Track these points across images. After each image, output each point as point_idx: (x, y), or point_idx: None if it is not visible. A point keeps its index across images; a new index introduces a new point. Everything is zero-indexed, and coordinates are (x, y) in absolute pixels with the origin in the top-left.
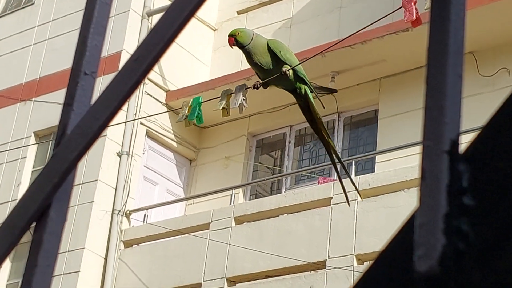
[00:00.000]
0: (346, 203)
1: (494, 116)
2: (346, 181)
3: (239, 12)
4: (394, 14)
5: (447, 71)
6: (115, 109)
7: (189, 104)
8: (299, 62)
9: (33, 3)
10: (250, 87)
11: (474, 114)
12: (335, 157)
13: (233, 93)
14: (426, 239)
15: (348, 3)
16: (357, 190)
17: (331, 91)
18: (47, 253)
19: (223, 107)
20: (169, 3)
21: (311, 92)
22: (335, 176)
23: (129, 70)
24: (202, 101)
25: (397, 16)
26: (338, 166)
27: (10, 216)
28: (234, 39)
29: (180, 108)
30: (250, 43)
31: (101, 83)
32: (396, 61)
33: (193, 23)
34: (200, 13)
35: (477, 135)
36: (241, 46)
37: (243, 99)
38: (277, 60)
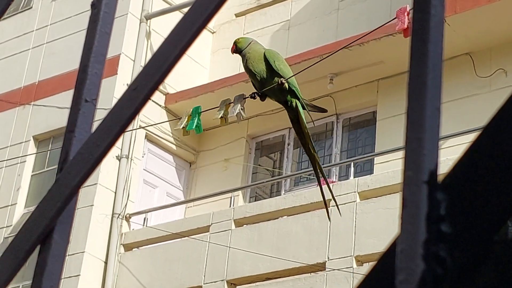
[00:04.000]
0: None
1: (469, 149)
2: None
3: (237, 15)
4: (392, 15)
5: (426, 105)
6: (115, 137)
7: (189, 114)
8: (292, 74)
9: (31, 7)
10: (248, 96)
11: (471, 115)
12: (319, 171)
13: (232, 102)
14: (406, 265)
15: (345, 5)
16: (337, 206)
17: (321, 110)
18: (51, 275)
19: (221, 116)
20: (167, 6)
21: (303, 108)
22: (334, 178)
23: (128, 99)
24: (201, 110)
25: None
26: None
27: (15, 239)
28: (235, 46)
29: (180, 118)
30: (246, 47)
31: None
32: (393, 62)
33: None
34: None
35: (453, 166)
36: (239, 51)
37: (241, 108)
38: (271, 70)
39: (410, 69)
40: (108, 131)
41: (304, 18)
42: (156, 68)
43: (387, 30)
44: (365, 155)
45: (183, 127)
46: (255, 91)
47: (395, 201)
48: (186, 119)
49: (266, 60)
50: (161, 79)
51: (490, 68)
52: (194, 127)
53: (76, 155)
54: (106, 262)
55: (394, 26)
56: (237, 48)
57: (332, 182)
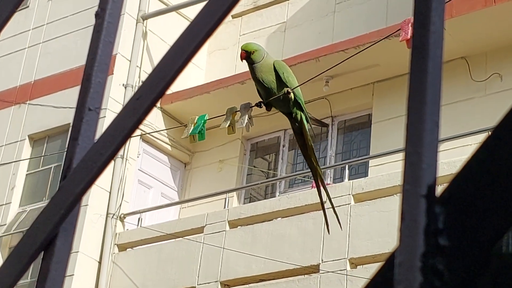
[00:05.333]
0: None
1: (467, 163)
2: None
3: (233, 16)
4: (388, 19)
5: (425, 119)
6: (119, 145)
7: (195, 121)
8: (298, 84)
9: (28, 7)
10: (254, 105)
11: (466, 118)
12: (320, 184)
13: (238, 111)
14: (404, 277)
15: (342, 8)
16: (338, 220)
17: (323, 124)
18: (54, 280)
19: (228, 125)
20: (163, 6)
21: (307, 121)
22: (329, 180)
23: (132, 108)
24: (207, 118)
25: (390, 21)
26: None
27: (19, 245)
28: (246, 54)
29: (185, 124)
30: (260, 62)
31: None
32: (389, 65)
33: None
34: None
35: (452, 180)
36: (251, 63)
37: (249, 118)
38: (279, 81)
39: (409, 84)
40: (111, 139)
41: (301, 20)
42: (160, 77)
43: (383, 33)
44: (360, 158)
45: (190, 135)
46: (260, 100)
47: (390, 204)
48: (192, 127)
49: (275, 71)
50: (164, 89)
51: (486, 72)
52: (197, 132)
53: (80, 162)
54: (100, 262)
55: (391, 29)
56: (250, 59)
57: (327, 184)
